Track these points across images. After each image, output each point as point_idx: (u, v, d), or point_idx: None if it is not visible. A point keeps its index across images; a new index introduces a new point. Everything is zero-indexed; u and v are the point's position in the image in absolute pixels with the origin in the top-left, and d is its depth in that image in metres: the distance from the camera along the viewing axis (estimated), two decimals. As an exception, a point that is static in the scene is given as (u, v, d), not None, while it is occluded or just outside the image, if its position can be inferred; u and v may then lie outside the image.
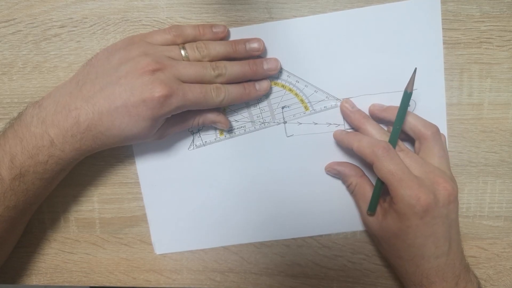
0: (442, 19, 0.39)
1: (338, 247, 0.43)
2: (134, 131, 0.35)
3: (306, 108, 0.41)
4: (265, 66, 0.39)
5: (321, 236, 0.43)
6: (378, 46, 0.39)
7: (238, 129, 0.41)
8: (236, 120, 0.41)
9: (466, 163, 0.41)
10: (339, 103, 0.40)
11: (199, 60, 0.37)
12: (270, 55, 0.40)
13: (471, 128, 0.40)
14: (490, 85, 0.40)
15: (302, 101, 0.41)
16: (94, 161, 0.43)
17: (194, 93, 0.35)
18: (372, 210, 0.38)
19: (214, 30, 0.38)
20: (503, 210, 0.42)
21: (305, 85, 0.40)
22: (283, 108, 0.41)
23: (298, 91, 0.40)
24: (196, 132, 0.42)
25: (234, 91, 0.38)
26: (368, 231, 0.41)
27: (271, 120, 0.41)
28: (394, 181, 0.35)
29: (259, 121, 0.41)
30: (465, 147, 0.41)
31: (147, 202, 0.43)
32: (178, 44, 0.37)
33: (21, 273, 0.46)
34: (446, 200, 0.35)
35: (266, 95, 0.40)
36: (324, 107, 0.40)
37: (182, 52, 0.36)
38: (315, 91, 0.40)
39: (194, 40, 0.38)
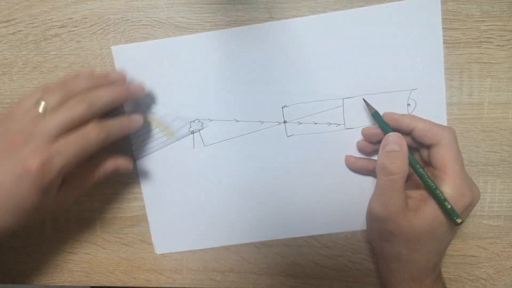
0: (442, 19, 0.39)
1: (338, 247, 0.43)
2: (21, 215, 0.32)
3: (169, 135, 0.41)
4: (132, 89, 0.37)
5: (321, 235, 0.43)
6: (379, 45, 0.39)
7: (238, 129, 0.41)
8: (236, 120, 0.41)
9: (466, 162, 0.41)
10: (340, 103, 0.40)
11: (63, 102, 0.33)
12: (270, 55, 0.40)
13: (471, 127, 0.40)
14: (490, 84, 0.40)
15: (166, 129, 0.41)
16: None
17: (70, 146, 0.32)
18: (457, 215, 0.34)
19: (80, 77, 0.36)
20: (503, 209, 0.42)
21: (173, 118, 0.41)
22: (283, 107, 0.41)
23: (161, 121, 0.41)
24: (197, 132, 0.42)
25: (114, 123, 0.35)
26: (390, 226, 0.35)
27: (271, 120, 0.41)
28: (457, 166, 0.34)
29: (259, 121, 0.41)
30: (465, 147, 0.41)
31: (147, 202, 0.43)
32: (39, 98, 0.33)
33: (21, 273, 0.46)
34: (476, 203, 0.36)
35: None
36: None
37: (42, 104, 0.32)
38: (173, 119, 0.41)
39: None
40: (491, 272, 0.43)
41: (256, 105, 0.41)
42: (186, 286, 0.45)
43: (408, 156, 0.35)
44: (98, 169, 0.37)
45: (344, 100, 0.40)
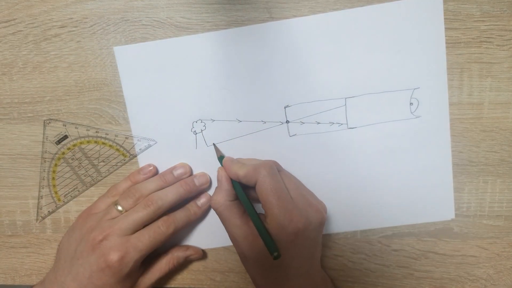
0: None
1: (338, 247, 0.43)
2: None
3: (124, 155, 0.42)
4: (197, 183, 0.41)
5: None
6: (380, 44, 0.39)
7: (240, 129, 0.41)
8: (238, 120, 0.41)
9: (467, 162, 0.41)
10: (342, 103, 0.40)
11: (136, 204, 0.39)
12: (270, 55, 0.40)
13: (471, 127, 0.40)
14: (490, 84, 0.40)
15: (118, 150, 0.42)
16: (95, 161, 0.43)
17: (143, 240, 0.38)
18: (276, 250, 0.35)
19: (142, 173, 0.41)
20: (504, 209, 0.42)
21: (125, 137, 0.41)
22: (285, 107, 0.41)
23: (111, 143, 0.42)
24: (199, 133, 0.42)
25: (181, 215, 0.40)
26: (237, 250, 0.38)
27: (273, 119, 0.41)
28: (273, 199, 0.35)
29: (262, 121, 0.41)
30: (466, 147, 0.41)
31: (148, 202, 0.43)
32: (115, 202, 0.40)
33: (21, 273, 0.46)
34: (318, 223, 0.37)
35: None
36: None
37: (119, 207, 0.39)
38: (126, 137, 0.42)
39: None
40: (491, 272, 0.43)
41: (259, 105, 0.41)
42: (185, 286, 0.45)
43: (228, 189, 0.38)
44: (172, 259, 0.42)
45: (347, 99, 0.40)
